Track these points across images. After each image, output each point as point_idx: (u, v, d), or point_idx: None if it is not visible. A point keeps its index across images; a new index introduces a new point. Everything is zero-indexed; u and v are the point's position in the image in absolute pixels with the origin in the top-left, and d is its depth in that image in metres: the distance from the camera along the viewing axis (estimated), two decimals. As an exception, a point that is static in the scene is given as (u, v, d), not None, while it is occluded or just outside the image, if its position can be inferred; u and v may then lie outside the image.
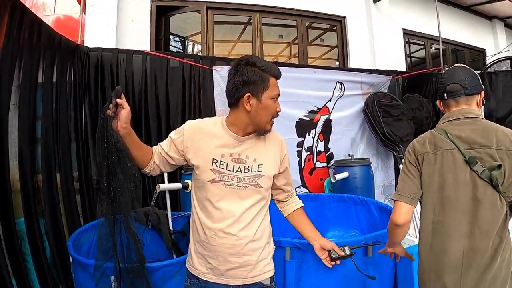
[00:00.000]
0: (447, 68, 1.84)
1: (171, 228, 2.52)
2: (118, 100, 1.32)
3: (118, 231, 1.47)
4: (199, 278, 1.48)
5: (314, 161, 3.72)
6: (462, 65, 1.63)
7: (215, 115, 3.18)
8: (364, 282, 2.09)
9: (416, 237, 3.43)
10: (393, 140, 3.75)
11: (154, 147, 1.52)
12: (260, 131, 1.47)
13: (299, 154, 3.63)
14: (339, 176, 3.49)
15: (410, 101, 4.23)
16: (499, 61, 4.86)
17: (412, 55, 5.53)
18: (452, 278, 1.37)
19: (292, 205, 1.66)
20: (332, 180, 3.52)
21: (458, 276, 1.36)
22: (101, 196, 1.44)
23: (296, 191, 3.59)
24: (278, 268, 1.81)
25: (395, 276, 2.39)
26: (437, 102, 1.60)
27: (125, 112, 1.34)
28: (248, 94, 1.39)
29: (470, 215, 1.36)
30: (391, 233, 1.56)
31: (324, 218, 3.31)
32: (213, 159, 1.43)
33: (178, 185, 2.63)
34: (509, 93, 4.44)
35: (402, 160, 1.62)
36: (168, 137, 1.51)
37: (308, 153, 3.67)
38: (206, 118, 1.56)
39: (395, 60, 4.65)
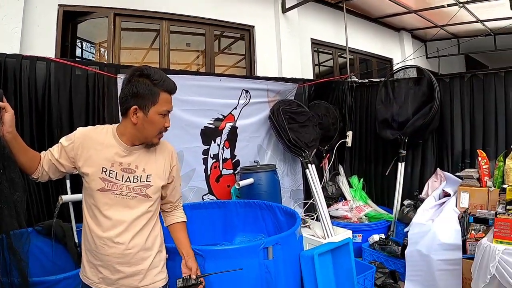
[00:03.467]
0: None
1: (76, 241, 2.45)
2: (0, 103, 1.27)
3: (0, 248, 1.38)
4: None
5: (221, 168, 3.75)
6: None
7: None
8: (268, 283, 2.12)
9: (325, 238, 3.63)
10: (299, 146, 3.87)
11: (43, 152, 1.46)
12: (147, 144, 1.48)
13: (205, 161, 3.64)
14: (244, 182, 3.55)
15: (316, 108, 4.42)
16: (403, 69, 5.18)
17: (321, 64, 5.79)
18: None
19: (174, 217, 1.70)
20: (237, 187, 3.57)
21: None
22: None
23: (203, 199, 3.64)
24: (180, 274, 1.80)
25: (301, 273, 2.45)
26: None
27: (9, 115, 1.29)
28: (135, 106, 1.39)
29: None
30: None
31: (232, 224, 3.36)
32: (102, 168, 1.42)
33: (81, 196, 2.54)
34: (410, 98, 4.73)
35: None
36: (59, 143, 1.47)
37: (214, 160, 3.69)
38: (98, 126, 1.53)
39: (303, 68, 4.82)
